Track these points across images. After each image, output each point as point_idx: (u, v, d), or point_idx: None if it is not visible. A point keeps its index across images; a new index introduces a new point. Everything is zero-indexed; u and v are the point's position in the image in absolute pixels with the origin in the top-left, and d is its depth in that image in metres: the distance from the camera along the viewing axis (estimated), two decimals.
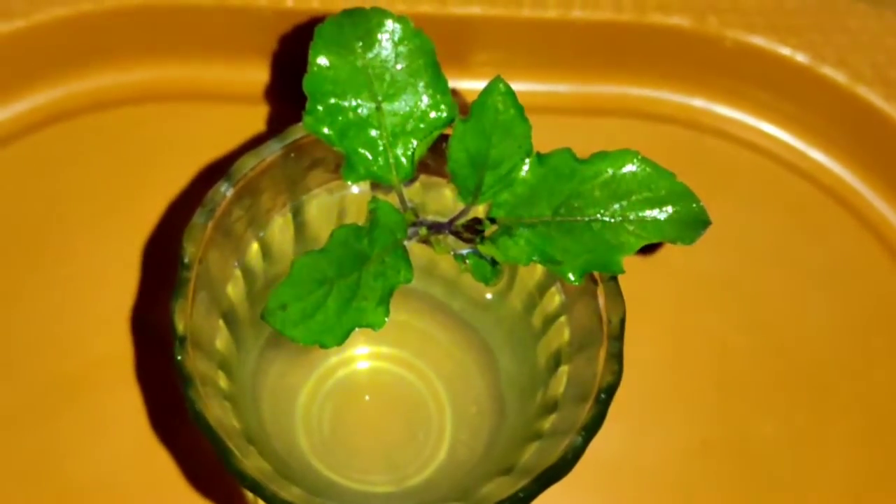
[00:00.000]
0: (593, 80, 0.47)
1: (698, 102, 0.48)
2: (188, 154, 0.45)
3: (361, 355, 0.41)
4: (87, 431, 0.41)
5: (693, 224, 0.32)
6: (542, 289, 0.36)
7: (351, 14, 0.32)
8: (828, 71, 0.46)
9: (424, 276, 0.38)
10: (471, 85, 0.46)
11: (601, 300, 0.33)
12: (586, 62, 0.47)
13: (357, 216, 0.36)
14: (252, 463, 0.31)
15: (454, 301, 0.39)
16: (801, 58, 0.46)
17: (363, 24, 0.32)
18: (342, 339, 0.30)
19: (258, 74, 0.47)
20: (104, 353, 0.42)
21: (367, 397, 0.41)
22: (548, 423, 0.34)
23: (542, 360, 0.36)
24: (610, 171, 0.32)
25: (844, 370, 0.44)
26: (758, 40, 0.46)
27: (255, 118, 0.46)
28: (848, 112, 0.46)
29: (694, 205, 0.32)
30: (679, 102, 0.48)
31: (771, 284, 0.45)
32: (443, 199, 0.36)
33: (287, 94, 0.46)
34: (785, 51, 0.46)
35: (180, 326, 0.31)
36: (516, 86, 0.32)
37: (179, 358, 0.31)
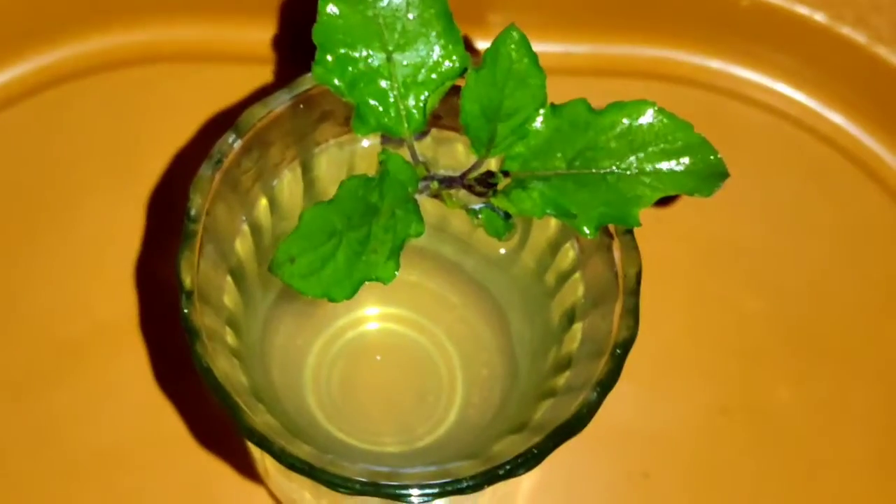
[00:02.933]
0: (608, 41, 0.47)
1: (714, 63, 0.47)
2: (194, 114, 0.44)
3: (371, 316, 0.40)
4: (94, 393, 0.41)
5: (710, 176, 0.31)
6: (556, 245, 0.35)
7: None
8: (847, 31, 0.45)
9: (436, 233, 0.38)
10: (484, 45, 0.46)
11: (616, 254, 0.32)
12: (601, 22, 0.46)
13: (367, 171, 0.36)
14: (260, 419, 0.31)
15: (466, 260, 0.39)
16: (819, 17, 0.45)
17: None
18: (352, 292, 0.30)
19: (266, 33, 0.46)
20: (111, 314, 0.42)
21: (377, 358, 0.40)
22: (562, 381, 0.33)
23: (555, 317, 0.35)
24: (626, 121, 0.31)
25: (862, 335, 0.44)
26: None
27: (265, 76, 0.45)
28: (867, 73, 0.45)
29: (711, 156, 0.31)
30: (695, 63, 0.47)
31: (788, 247, 0.45)
32: (455, 154, 0.35)
33: (296, 51, 0.46)
34: (803, 10, 0.45)
35: (187, 280, 0.31)
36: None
37: (186, 311, 0.31)
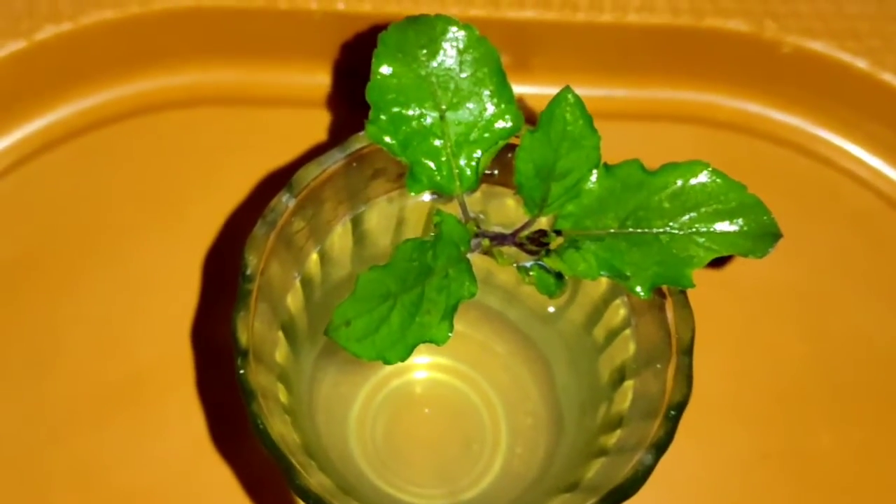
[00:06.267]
0: (649, 85, 0.47)
1: (755, 108, 0.47)
2: (243, 158, 0.44)
3: (416, 365, 0.40)
4: (139, 440, 0.41)
5: (764, 237, 0.31)
6: (607, 301, 0.35)
7: (415, 21, 0.32)
8: (888, 77, 0.45)
9: (482, 285, 0.37)
10: (528, 90, 0.46)
11: (669, 314, 0.32)
12: (643, 67, 0.46)
13: (416, 224, 0.36)
14: (314, 479, 0.31)
15: (511, 311, 0.39)
16: (860, 64, 0.45)
17: (427, 31, 0.32)
18: (406, 354, 0.30)
19: (315, 77, 0.46)
20: (157, 361, 0.42)
21: (420, 407, 0.40)
22: (613, 440, 0.33)
23: (604, 374, 0.35)
24: (679, 182, 0.31)
25: None
26: (816, 46, 0.45)
27: (313, 122, 0.45)
28: None
29: (765, 217, 0.31)
30: (736, 108, 0.47)
31: (830, 294, 0.45)
32: (505, 209, 0.35)
33: (347, 97, 0.46)
34: (844, 56, 0.45)
35: (243, 339, 0.31)
36: None
37: (242, 372, 0.31)
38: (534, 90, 0.46)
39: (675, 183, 0.31)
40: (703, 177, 0.31)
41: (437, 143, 0.32)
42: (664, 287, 0.32)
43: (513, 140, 0.32)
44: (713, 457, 0.42)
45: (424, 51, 0.32)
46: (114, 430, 0.41)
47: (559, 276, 0.32)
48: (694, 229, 0.31)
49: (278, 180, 0.33)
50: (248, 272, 0.32)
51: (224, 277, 0.42)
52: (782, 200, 0.45)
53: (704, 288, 0.43)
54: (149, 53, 0.45)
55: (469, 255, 0.32)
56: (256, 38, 0.45)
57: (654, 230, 0.31)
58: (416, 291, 0.30)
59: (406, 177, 0.32)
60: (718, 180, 0.31)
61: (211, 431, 0.41)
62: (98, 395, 0.41)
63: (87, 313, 0.43)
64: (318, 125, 0.45)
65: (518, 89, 0.46)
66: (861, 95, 0.45)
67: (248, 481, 0.41)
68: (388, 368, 0.40)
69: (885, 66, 0.45)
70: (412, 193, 0.32)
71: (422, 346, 0.39)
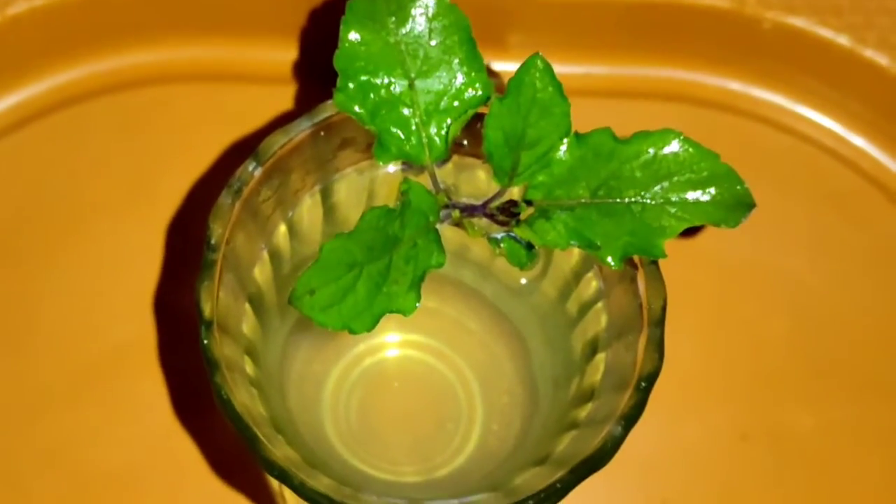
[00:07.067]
0: (629, 62, 0.46)
1: (736, 85, 0.47)
2: (213, 135, 0.44)
3: (390, 343, 0.40)
4: (109, 417, 0.41)
5: (737, 206, 0.30)
6: (579, 274, 0.35)
7: None
8: (869, 54, 0.44)
9: (456, 260, 0.37)
10: (505, 66, 0.45)
11: (641, 285, 0.32)
12: (622, 44, 0.46)
13: (387, 197, 0.36)
14: (280, 452, 0.30)
15: (486, 287, 0.38)
16: (842, 40, 0.44)
17: None
18: (372, 324, 0.29)
19: (285, 53, 0.46)
20: (128, 338, 0.42)
21: (395, 385, 0.40)
22: (584, 413, 0.32)
23: (577, 347, 0.35)
24: (651, 151, 0.31)
25: (885, 359, 0.43)
26: (798, 22, 0.44)
27: (284, 98, 0.45)
28: (890, 96, 0.45)
29: (738, 186, 0.31)
30: (716, 85, 0.46)
31: (810, 272, 0.44)
32: (476, 181, 0.35)
33: (316, 73, 0.45)
34: (825, 33, 0.44)
35: (207, 310, 0.30)
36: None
37: (206, 342, 0.30)
38: (511, 67, 0.45)
39: (647, 152, 0.31)
40: (675, 145, 0.30)
41: (407, 111, 0.32)
42: (636, 258, 0.32)
43: (483, 109, 0.32)
44: (692, 436, 0.42)
45: (393, 18, 0.31)
46: (87, 409, 0.41)
47: (529, 246, 0.32)
48: (666, 199, 0.30)
49: (250, 153, 0.33)
50: (213, 241, 0.31)
51: (195, 254, 0.41)
52: (762, 177, 0.44)
53: (681, 266, 0.42)
54: (121, 29, 0.45)
55: (440, 227, 0.31)
56: (228, 13, 0.45)
57: (626, 199, 0.31)
58: (383, 261, 0.30)
59: (374, 146, 0.31)
60: (690, 149, 0.31)
61: (184, 407, 0.41)
62: (72, 372, 0.41)
63: (60, 290, 0.42)
64: (290, 99, 0.45)
65: (499, 67, 0.46)
66: (842, 72, 0.45)
67: (224, 458, 0.40)
68: (363, 346, 0.40)
69: (867, 43, 0.44)
70: (381, 163, 0.32)
71: (397, 323, 0.39)
